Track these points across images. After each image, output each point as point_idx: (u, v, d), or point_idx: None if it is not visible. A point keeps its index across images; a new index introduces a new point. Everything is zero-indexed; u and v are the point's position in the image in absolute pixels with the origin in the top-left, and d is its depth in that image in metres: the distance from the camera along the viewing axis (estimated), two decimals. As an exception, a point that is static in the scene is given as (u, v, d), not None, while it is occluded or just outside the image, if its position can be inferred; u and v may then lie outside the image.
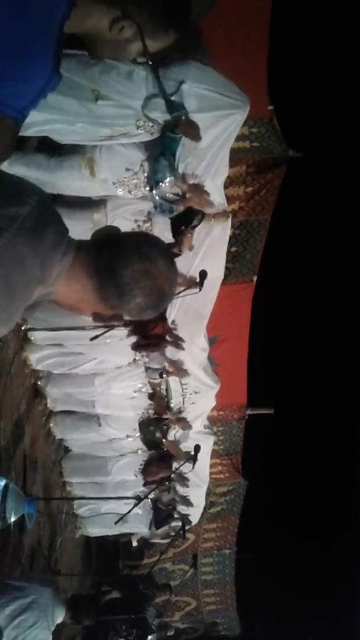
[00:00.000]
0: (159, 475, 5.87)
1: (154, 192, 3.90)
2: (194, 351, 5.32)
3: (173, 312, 4.88)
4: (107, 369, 5.34)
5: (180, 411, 5.80)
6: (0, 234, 1.12)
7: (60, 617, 3.66)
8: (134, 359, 5.23)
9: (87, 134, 3.52)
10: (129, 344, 4.94)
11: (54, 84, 1.42)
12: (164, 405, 5.67)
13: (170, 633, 7.60)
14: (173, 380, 5.58)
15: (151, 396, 5.63)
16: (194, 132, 3.59)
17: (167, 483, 6.06)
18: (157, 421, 5.87)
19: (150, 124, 3.56)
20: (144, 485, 6.03)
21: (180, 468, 5.68)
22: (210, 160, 3.92)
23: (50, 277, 1.24)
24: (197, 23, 3.88)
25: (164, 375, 5.35)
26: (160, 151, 3.73)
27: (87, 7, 1.43)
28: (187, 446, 5.74)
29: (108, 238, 1.35)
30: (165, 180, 3.77)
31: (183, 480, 6.18)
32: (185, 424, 5.72)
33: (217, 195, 4.16)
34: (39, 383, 5.40)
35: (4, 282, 1.12)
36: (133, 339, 4.91)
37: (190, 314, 4.94)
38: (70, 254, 1.27)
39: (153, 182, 3.83)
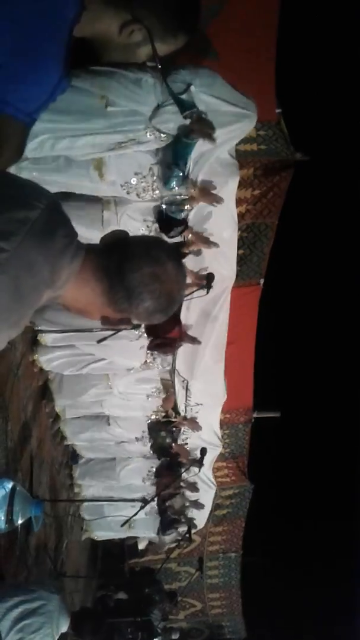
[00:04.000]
0: (170, 487, 5.87)
1: (163, 205, 3.92)
2: (206, 359, 5.28)
3: (187, 316, 4.88)
4: (118, 370, 5.34)
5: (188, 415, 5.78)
6: (9, 238, 1.12)
7: (64, 626, 3.66)
8: (146, 361, 5.23)
9: (98, 142, 3.50)
10: (140, 346, 4.94)
11: (63, 87, 1.42)
12: (172, 404, 5.63)
13: (175, 637, 7.59)
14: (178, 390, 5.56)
15: (165, 399, 5.61)
16: (209, 132, 3.58)
17: (176, 491, 6.05)
18: (167, 424, 5.85)
19: (162, 135, 3.57)
20: (155, 496, 6.02)
21: (187, 472, 5.67)
22: (217, 166, 3.93)
23: (59, 280, 1.24)
24: (206, 26, 3.88)
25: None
26: (173, 159, 3.73)
27: (97, 11, 1.43)
28: (196, 454, 5.71)
29: (117, 242, 1.36)
30: (178, 186, 3.79)
31: (193, 485, 6.18)
32: (194, 424, 5.69)
33: (229, 200, 4.18)
34: (49, 384, 5.40)
35: (13, 285, 1.12)
36: (144, 340, 4.91)
37: (205, 318, 4.93)
38: (79, 257, 1.27)
39: (164, 190, 3.84)
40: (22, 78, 1.36)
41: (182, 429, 5.88)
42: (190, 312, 4.85)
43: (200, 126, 3.55)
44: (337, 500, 11.90)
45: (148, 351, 5.08)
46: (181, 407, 5.63)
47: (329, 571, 12.49)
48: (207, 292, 4.39)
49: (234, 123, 3.70)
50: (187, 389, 5.46)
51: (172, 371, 5.31)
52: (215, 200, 4.03)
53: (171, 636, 7.31)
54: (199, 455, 5.20)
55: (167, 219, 4.09)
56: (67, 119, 3.26)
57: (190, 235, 4.25)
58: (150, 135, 3.54)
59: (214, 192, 4.03)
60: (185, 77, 3.47)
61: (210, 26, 3.94)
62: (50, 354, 4.97)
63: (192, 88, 3.46)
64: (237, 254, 4.86)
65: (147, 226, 4.16)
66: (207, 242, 4.28)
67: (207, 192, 3.98)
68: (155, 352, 5.11)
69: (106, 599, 6.15)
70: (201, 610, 10.13)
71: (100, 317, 1.37)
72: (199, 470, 5.55)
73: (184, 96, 3.43)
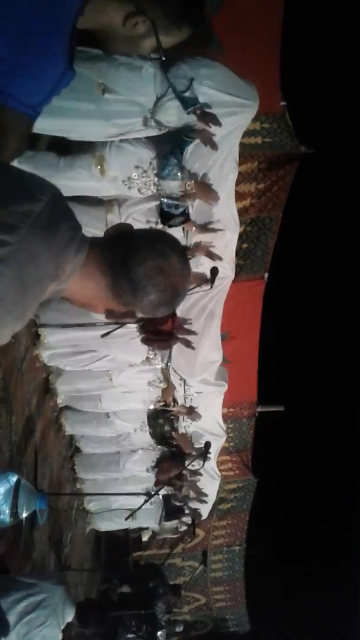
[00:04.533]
0: (171, 473, 5.86)
1: (163, 199, 3.90)
2: (204, 350, 5.27)
3: (184, 310, 4.86)
4: (119, 366, 5.34)
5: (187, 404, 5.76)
6: (13, 231, 1.12)
7: (70, 616, 3.68)
8: (147, 357, 5.22)
9: (95, 128, 3.50)
10: (141, 342, 4.93)
11: (67, 80, 1.42)
12: (172, 392, 5.62)
13: (179, 629, 7.61)
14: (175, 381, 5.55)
15: (164, 390, 5.61)
16: (212, 139, 3.58)
17: (179, 482, 6.04)
18: (165, 412, 5.84)
19: (160, 127, 3.56)
20: (156, 484, 6.03)
21: (192, 464, 5.66)
22: (219, 159, 3.91)
23: (63, 273, 1.24)
24: (210, 19, 3.86)
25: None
26: (170, 148, 3.72)
27: (101, 3, 1.43)
28: (200, 445, 5.70)
29: (121, 235, 1.36)
30: (174, 178, 3.77)
31: (196, 475, 6.17)
32: (194, 413, 5.68)
33: (227, 197, 4.15)
34: (50, 378, 5.41)
35: (17, 278, 1.12)
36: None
37: (201, 313, 4.91)
38: (83, 250, 1.27)
39: (161, 178, 3.82)
40: (26, 71, 1.36)
41: (181, 417, 5.87)
42: (185, 306, 4.83)
43: (204, 132, 3.55)
44: (341, 494, 11.93)
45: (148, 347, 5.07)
46: (180, 400, 5.62)
47: (334, 564, 12.53)
48: (211, 287, 4.38)
49: (237, 114, 3.68)
50: (184, 384, 5.45)
51: (167, 367, 5.30)
52: (212, 198, 4.00)
53: (175, 628, 7.33)
54: (202, 448, 5.21)
55: (166, 214, 4.08)
56: (63, 103, 3.23)
57: (193, 228, 4.20)
58: (147, 126, 3.54)
59: (211, 189, 4.00)
60: (187, 72, 3.45)
61: (215, 18, 3.92)
62: (51, 350, 4.97)
63: (194, 83, 3.45)
64: (242, 248, 4.85)
65: (151, 227, 4.16)
66: (208, 230, 4.22)
67: (204, 188, 3.95)
68: (152, 347, 5.10)
69: (110, 592, 6.16)
70: (205, 604, 10.16)
71: (105, 310, 1.37)
72: (203, 464, 5.55)
73: (187, 93, 3.43)
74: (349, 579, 12.56)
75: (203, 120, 3.53)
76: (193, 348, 4.90)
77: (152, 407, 5.83)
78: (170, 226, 4.11)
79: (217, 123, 3.57)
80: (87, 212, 3.99)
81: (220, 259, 4.31)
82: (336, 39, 6.60)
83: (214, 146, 3.64)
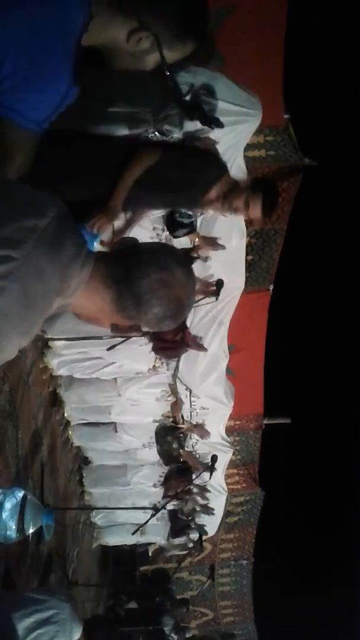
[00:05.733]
0: (178, 489, 5.84)
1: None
2: (211, 357, 5.26)
3: (194, 322, 4.86)
4: (127, 374, 5.34)
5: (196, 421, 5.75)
6: (19, 246, 1.12)
7: (77, 634, 3.64)
8: (154, 365, 5.22)
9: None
10: (149, 350, 4.93)
11: (72, 96, 1.43)
12: (180, 407, 5.61)
13: (189, 635, 7.59)
14: (183, 396, 5.53)
15: (173, 404, 5.60)
16: (213, 146, 3.58)
17: (186, 495, 6.01)
18: (174, 430, 5.83)
19: (165, 138, 3.56)
20: (163, 498, 6.00)
21: (198, 479, 5.64)
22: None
23: (69, 288, 1.24)
24: (214, 32, 3.88)
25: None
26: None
27: (105, 19, 1.44)
28: (207, 459, 5.68)
29: (126, 249, 1.36)
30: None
31: (203, 490, 6.14)
32: (202, 431, 5.66)
33: None
34: (58, 390, 5.41)
35: (23, 294, 1.12)
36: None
37: (210, 323, 4.91)
38: (88, 265, 1.27)
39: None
40: (32, 87, 1.37)
41: (190, 434, 5.86)
42: (196, 317, 4.83)
43: (206, 140, 3.54)
44: (350, 507, 11.83)
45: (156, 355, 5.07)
46: (186, 413, 5.61)
47: (343, 578, 12.41)
48: (217, 299, 4.38)
49: (240, 123, 3.69)
50: (190, 395, 5.44)
51: (175, 376, 5.29)
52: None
53: (185, 635, 7.31)
54: (209, 462, 5.18)
55: (176, 223, 4.08)
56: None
57: (197, 239, 4.23)
58: (152, 136, 3.54)
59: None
60: (186, 79, 3.46)
61: (218, 33, 3.94)
62: (60, 358, 4.98)
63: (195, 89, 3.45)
64: (246, 260, 4.85)
65: (157, 234, 4.16)
66: (215, 245, 4.26)
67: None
68: (161, 356, 5.10)
69: (117, 608, 6.13)
70: (213, 619, 10.06)
71: (110, 324, 1.37)
72: (210, 478, 5.52)
73: (187, 97, 3.43)
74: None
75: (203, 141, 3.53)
76: (205, 350, 4.90)
77: (160, 422, 5.82)
78: (175, 237, 4.11)
79: (220, 125, 3.56)
80: None
81: (223, 247, 4.29)
82: (339, 51, 6.64)
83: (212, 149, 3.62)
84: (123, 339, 3.83)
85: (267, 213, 3.35)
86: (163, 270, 1.29)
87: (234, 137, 3.74)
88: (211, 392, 5.45)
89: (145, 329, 1.37)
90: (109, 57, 1.53)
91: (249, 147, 4.06)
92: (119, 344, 3.68)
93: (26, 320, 1.17)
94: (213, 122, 3.42)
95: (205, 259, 4.40)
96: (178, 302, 1.32)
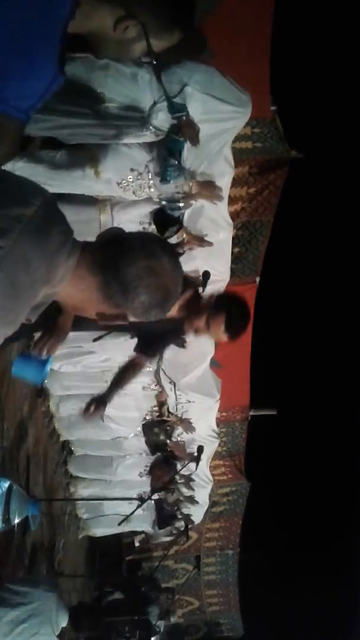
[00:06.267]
0: (163, 479, 5.85)
1: (164, 202, 3.89)
2: (195, 350, 5.26)
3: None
4: (113, 367, 5.33)
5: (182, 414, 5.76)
6: (5, 235, 1.11)
7: (64, 622, 3.66)
8: None
9: (94, 136, 3.51)
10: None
11: (58, 84, 1.42)
12: (165, 397, 5.61)
13: (173, 618, 7.62)
14: (167, 389, 5.53)
15: (159, 394, 5.60)
16: (193, 134, 3.57)
17: (171, 486, 6.03)
18: (161, 422, 5.84)
19: (158, 131, 3.56)
20: (150, 488, 6.02)
21: (184, 469, 5.66)
22: (208, 158, 3.91)
23: (55, 277, 1.23)
24: (201, 23, 3.86)
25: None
26: (167, 152, 3.72)
27: (92, 7, 1.43)
28: (192, 450, 5.70)
29: (112, 238, 1.35)
30: (177, 180, 3.75)
31: (188, 480, 6.16)
32: (188, 425, 5.68)
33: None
34: (43, 383, 5.39)
35: (9, 283, 1.12)
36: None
37: None
38: (75, 254, 1.26)
39: (160, 188, 3.82)
40: (17, 75, 1.35)
41: (177, 427, 5.87)
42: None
43: (185, 129, 3.54)
44: (334, 498, 11.94)
45: None
46: (171, 405, 5.62)
47: (325, 568, 12.53)
48: (203, 290, 4.38)
49: (228, 120, 3.69)
50: (175, 388, 5.43)
51: (158, 366, 5.28)
52: (216, 197, 4.00)
53: (170, 620, 7.35)
54: (195, 453, 5.19)
55: (164, 218, 4.07)
56: (63, 114, 3.26)
57: (185, 235, 4.24)
58: (146, 131, 3.54)
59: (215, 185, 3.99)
60: (181, 76, 3.46)
61: (205, 23, 3.92)
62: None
63: (188, 89, 3.45)
64: (233, 252, 4.85)
65: (144, 228, 4.15)
66: (202, 241, 4.26)
67: (207, 186, 3.94)
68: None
69: (103, 598, 6.15)
70: (199, 607, 10.14)
71: (96, 313, 1.36)
72: (196, 468, 5.54)
73: (178, 98, 3.43)
74: (344, 583, 12.57)
75: (185, 130, 3.53)
76: (184, 344, 4.90)
77: (148, 417, 5.83)
78: (165, 238, 4.11)
79: (197, 140, 3.60)
80: (79, 214, 3.98)
81: (211, 244, 4.28)
82: (326, 43, 6.64)
83: (194, 141, 3.62)
84: (109, 330, 3.80)
85: (232, 335, 3.03)
86: (150, 258, 1.29)
87: (221, 133, 3.75)
88: (196, 385, 5.46)
89: (131, 318, 1.37)
90: (95, 45, 1.52)
91: (236, 139, 4.06)
92: (105, 334, 3.66)
93: (12, 310, 1.16)
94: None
95: (191, 249, 4.39)
96: (165, 291, 1.32)
